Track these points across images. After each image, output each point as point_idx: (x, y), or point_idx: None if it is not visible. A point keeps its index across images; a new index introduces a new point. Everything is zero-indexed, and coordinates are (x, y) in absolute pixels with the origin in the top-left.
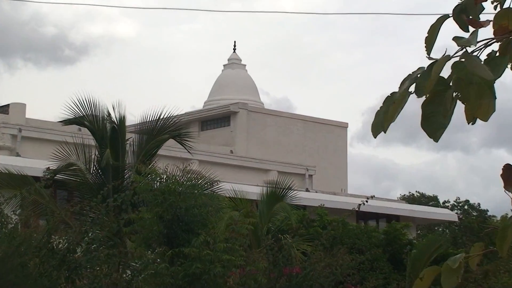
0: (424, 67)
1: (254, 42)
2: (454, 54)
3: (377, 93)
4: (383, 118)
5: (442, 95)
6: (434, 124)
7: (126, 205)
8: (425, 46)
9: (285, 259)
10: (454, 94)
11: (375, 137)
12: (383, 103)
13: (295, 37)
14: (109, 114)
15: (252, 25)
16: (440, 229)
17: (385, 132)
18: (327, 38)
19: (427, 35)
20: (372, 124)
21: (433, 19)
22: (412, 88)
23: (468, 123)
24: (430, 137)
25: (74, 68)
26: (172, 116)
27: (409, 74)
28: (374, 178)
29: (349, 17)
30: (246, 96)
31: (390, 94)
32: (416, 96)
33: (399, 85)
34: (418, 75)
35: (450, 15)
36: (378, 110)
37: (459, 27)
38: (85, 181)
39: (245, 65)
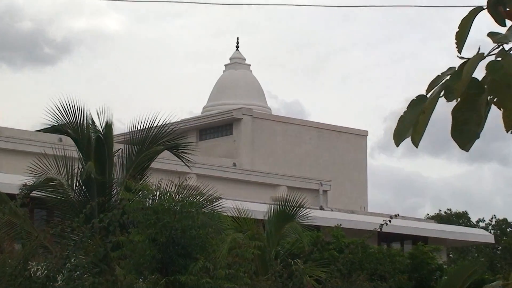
0: (455, 67)
1: (261, 38)
2: (489, 52)
3: (402, 96)
4: (414, 130)
5: (475, 100)
6: (465, 133)
7: (114, 226)
8: (456, 43)
9: (296, 287)
10: (489, 98)
11: (397, 145)
12: (407, 108)
13: (308, 33)
14: (99, 118)
15: (258, 18)
16: (474, 252)
17: (416, 147)
18: (345, 33)
19: (458, 30)
20: (394, 130)
21: (465, 12)
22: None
23: (507, 131)
24: (461, 148)
25: (54, 69)
26: (166, 124)
27: (438, 76)
28: (399, 193)
29: (370, 10)
30: (251, 101)
31: (416, 97)
32: (445, 100)
33: (426, 88)
34: (448, 77)
35: (485, 7)
36: (401, 116)
37: (495, 20)
38: (67, 198)
39: (249, 65)
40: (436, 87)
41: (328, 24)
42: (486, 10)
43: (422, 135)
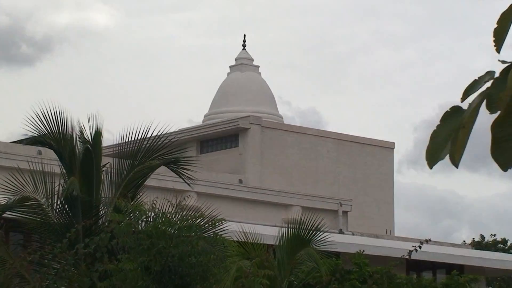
0: (494, 72)
1: (271, 36)
2: None
3: (435, 102)
4: (453, 148)
5: None
6: (507, 152)
7: (101, 252)
8: (494, 41)
9: None
10: None
11: (430, 168)
12: (441, 121)
13: (325, 30)
14: (81, 131)
15: (268, 13)
16: None
17: (457, 166)
18: (369, 30)
19: (496, 26)
20: (427, 149)
21: (506, 5)
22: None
23: None
24: (502, 169)
25: (33, 70)
26: (162, 134)
27: (475, 80)
28: (431, 215)
29: (397, 2)
30: (260, 108)
31: (450, 109)
32: (488, 112)
33: (461, 95)
34: (487, 82)
35: None
36: (434, 131)
37: None
38: (47, 220)
39: (258, 66)
40: (475, 96)
41: (349, 19)
42: None
43: (463, 153)
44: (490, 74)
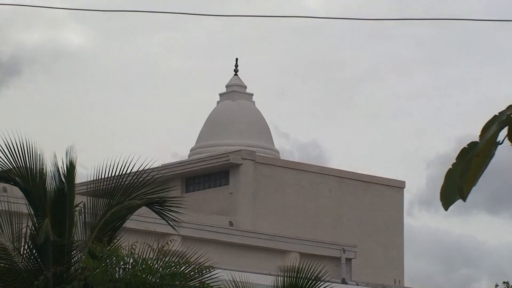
0: None
1: (266, 60)
2: None
3: (451, 135)
4: (461, 181)
5: None
6: None
7: None
8: None
9: None
10: None
11: (445, 209)
12: (457, 159)
13: (327, 54)
14: (53, 166)
15: (262, 34)
16: None
17: (464, 200)
18: (377, 54)
19: None
20: (441, 188)
21: None
22: (502, 134)
23: None
24: None
25: None
26: (144, 170)
27: (495, 116)
28: (446, 263)
29: (409, 23)
30: (254, 141)
31: (468, 145)
32: (510, 143)
33: (480, 131)
34: (510, 115)
35: None
36: (450, 169)
37: None
38: (13, 266)
39: (251, 94)
40: (493, 126)
41: (354, 41)
42: None
43: (474, 185)
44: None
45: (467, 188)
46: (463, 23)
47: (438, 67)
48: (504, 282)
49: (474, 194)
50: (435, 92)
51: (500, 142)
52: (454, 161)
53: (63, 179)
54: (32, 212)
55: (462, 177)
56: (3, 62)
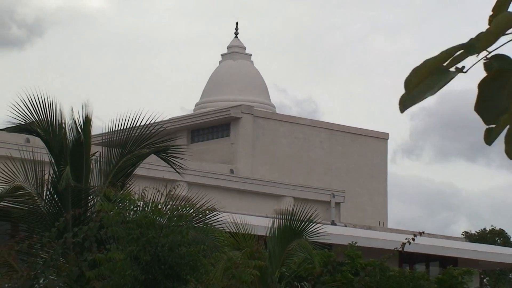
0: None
1: (264, 24)
2: None
3: None
4: (420, 89)
5: (507, 77)
6: (491, 109)
7: (90, 241)
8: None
9: None
10: None
11: (402, 112)
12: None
13: (320, 17)
14: (72, 118)
15: (261, 0)
16: None
17: (413, 104)
18: (365, 19)
19: (491, 14)
20: (401, 96)
21: None
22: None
23: None
24: (486, 123)
25: (22, 54)
26: (153, 123)
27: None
28: (427, 207)
29: None
30: (252, 97)
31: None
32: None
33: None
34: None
35: None
36: (407, 78)
37: None
38: (36, 209)
39: (250, 55)
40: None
41: (345, 7)
42: None
43: (431, 94)
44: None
45: (420, 96)
46: None
47: (420, 30)
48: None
49: (453, 143)
50: (419, 52)
51: (465, 71)
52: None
53: (80, 131)
54: (53, 161)
55: (416, 88)
56: (28, 23)
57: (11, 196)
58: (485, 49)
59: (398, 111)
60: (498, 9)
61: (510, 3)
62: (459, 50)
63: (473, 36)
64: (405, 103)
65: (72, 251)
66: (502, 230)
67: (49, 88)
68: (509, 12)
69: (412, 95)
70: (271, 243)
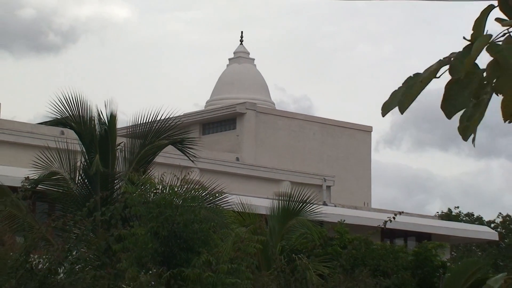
0: (457, 52)
1: (265, 32)
2: (496, 36)
3: None
4: (405, 96)
5: (471, 78)
6: (453, 105)
7: (116, 219)
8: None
9: (299, 282)
10: (490, 84)
11: (383, 116)
12: (402, 84)
13: (315, 27)
14: (100, 113)
15: (262, 12)
16: (478, 252)
17: (402, 112)
18: (353, 28)
19: (472, 32)
20: (384, 103)
21: (479, 5)
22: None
23: (504, 121)
24: (447, 117)
25: (58, 58)
26: (170, 117)
27: (440, 60)
28: (405, 190)
29: (378, 4)
30: (255, 95)
31: (413, 75)
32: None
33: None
34: (452, 59)
35: (496, 5)
36: (395, 90)
37: (507, 16)
38: (69, 192)
39: (253, 59)
40: (435, 63)
41: (335, 18)
42: (498, 8)
43: (411, 102)
44: (453, 54)
45: (406, 103)
46: (422, 3)
47: (400, 39)
48: (456, 207)
49: (428, 133)
50: (398, 58)
51: (438, 76)
52: (401, 85)
53: (107, 125)
54: (84, 150)
55: (403, 95)
56: (64, 31)
57: (48, 180)
58: (467, 71)
59: (381, 109)
60: (477, 28)
61: (486, 21)
62: (443, 66)
63: (448, 48)
64: (386, 110)
65: (101, 227)
66: (473, 213)
67: (81, 88)
68: (486, 35)
69: (393, 104)
70: (271, 221)
